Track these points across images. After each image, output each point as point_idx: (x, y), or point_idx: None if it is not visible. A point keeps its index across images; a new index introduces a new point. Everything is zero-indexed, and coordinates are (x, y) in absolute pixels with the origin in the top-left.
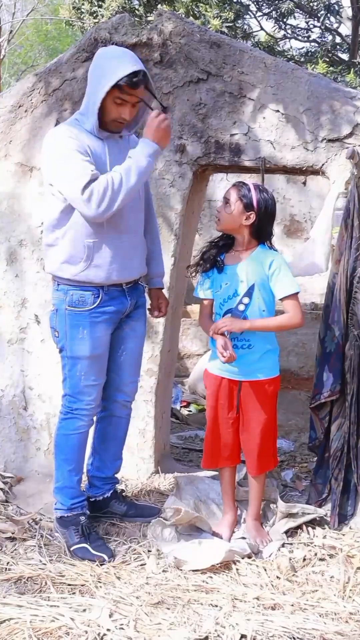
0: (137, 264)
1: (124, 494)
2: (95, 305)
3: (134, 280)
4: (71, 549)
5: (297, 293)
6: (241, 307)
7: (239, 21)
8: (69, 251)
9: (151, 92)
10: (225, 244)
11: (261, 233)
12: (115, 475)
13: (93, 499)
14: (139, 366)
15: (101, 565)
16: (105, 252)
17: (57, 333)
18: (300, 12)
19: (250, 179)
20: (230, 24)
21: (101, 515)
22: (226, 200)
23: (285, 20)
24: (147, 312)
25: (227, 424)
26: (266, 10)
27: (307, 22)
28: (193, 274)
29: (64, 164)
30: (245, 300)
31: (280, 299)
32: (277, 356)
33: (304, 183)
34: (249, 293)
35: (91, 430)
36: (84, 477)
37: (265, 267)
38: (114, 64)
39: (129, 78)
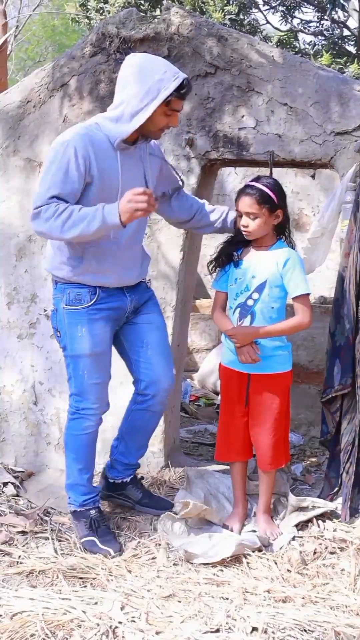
0: (135, 273)
1: (143, 480)
2: (92, 302)
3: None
4: (81, 541)
5: (308, 294)
6: (250, 302)
7: (244, 15)
8: (68, 253)
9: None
10: (242, 239)
11: (285, 224)
12: (138, 461)
13: (112, 481)
14: (171, 357)
15: (112, 559)
16: (102, 260)
17: (59, 332)
18: (307, 5)
19: (259, 174)
20: (234, 17)
21: (116, 497)
22: (249, 214)
23: (291, 13)
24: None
25: (237, 417)
26: (273, 4)
27: (318, 17)
28: (212, 270)
29: (47, 169)
30: (255, 295)
31: (292, 298)
32: (288, 352)
33: (313, 176)
34: (260, 289)
35: (121, 414)
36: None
37: (279, 264)
38: (159, 78)
39: (177, 91)
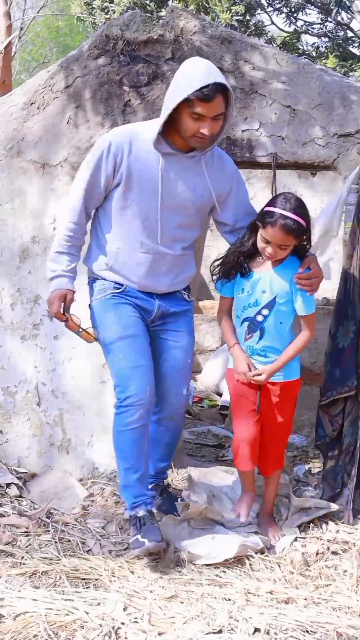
0: (164, 283)
1: (169, 489)
2: (116, 291)
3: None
4: (129, 541)
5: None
6: (259, 318)
7: (250, 16)
8: (94, 250)
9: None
10: (252, 252)
11: (308, 243)
12: (163, 473)
13: None
14: (186, 377)
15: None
16: (126, 264)
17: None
18: (311, 7)
19: (284, 192)
20: (241, 18)
21: None
22: (282, 246)
23: (295, 15)
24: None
25: (251, 422)
26: (277, 5)
27: (322, 19)
28: (216, 275)
29: (85, 161)
30: (265, 312)
31: (300, 316)
32: (297, 360)
33: (314, 174)
34: (270, 305)
35: None
36: None
37: (290, 281)
38: (186, 77)
39: (199, 91)
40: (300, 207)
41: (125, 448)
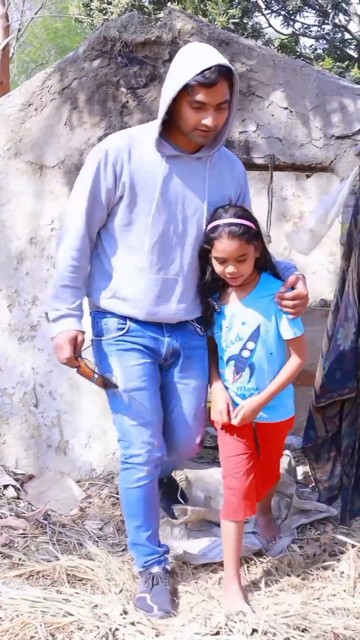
0: (175, 309)
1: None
2: (119, 334)
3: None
4: (135, 597)
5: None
6: (245, 354)
7: (247, 19)
8: (96, 276)
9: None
10: (213, 284)
11: (266, 253)
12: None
13: None
14: (199, 424)
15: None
16: (133, 288)
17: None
18: (309, 10)
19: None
20: (237, 21)
21: None
22: (239, 258)
23: (293, 17)
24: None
25: (240, 473)
26: (275, 8)
27: (320, 21)
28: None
29: (80, 176)
30: (250, 345)
31: (286, 340)
32: (291, 398)
33: (308, 176)
34: (254, 337)
35: None
36: None
37: (271, 304)
38: (185, 61)
39: (201, 75)
40: (241, 211)
41: (134, 507)
